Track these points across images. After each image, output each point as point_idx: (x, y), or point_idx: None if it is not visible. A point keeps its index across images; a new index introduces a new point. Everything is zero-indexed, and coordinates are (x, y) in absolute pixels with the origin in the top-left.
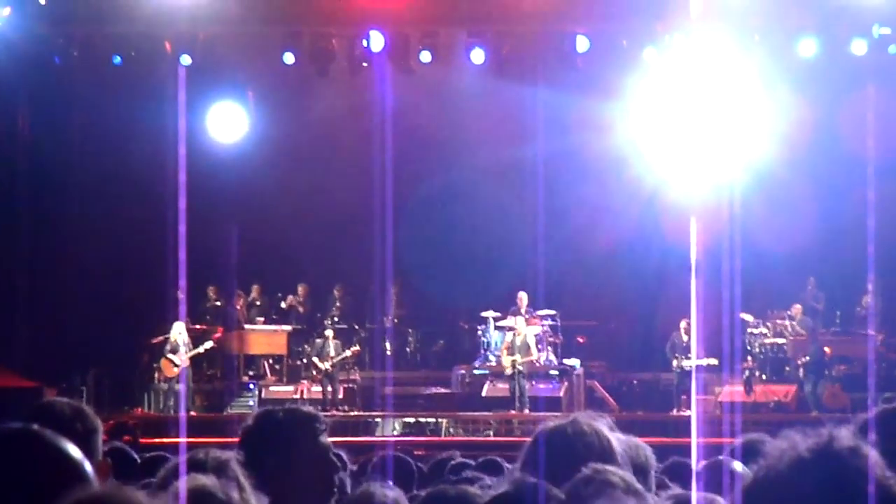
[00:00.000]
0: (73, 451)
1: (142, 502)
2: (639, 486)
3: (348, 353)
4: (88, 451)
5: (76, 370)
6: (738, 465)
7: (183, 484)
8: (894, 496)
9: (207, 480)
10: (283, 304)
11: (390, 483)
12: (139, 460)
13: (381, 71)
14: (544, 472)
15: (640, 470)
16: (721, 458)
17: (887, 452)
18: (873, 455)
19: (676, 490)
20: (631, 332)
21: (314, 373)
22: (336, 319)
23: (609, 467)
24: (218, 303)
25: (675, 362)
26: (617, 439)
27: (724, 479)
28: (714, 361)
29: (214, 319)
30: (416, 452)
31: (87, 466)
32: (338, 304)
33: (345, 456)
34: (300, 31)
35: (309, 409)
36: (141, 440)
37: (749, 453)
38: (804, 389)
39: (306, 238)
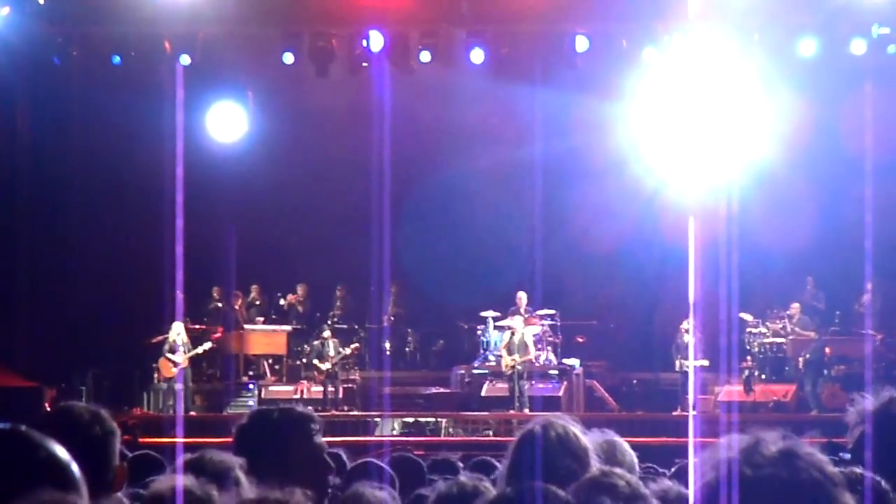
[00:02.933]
0: (60, 452)
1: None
2: (644, 489)
3: (348, 350)
4: (106, 455)
5: (76, 370)
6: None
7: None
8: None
9: (187, 480)
10: (282, 304)
11: (387, 482)
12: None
13: (380, 71)
14: (529, 473)
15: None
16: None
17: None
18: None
19: (663, 484)
20: (630, 332)
21: (316, 374)
22: (336, 319)
23: (616, 470)
24: (220, 304)
25: (677, 363)
26: (590, 440)
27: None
28: (705, 363)
29: (214, 319)
30: (415, 452)
31: (74, 468)
32: (339, 303)
33: (343, 456)
34: (300, 30)
35: (304, 409)
36: (140, 440)
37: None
38: (804, 389)
39: (305, 238)
